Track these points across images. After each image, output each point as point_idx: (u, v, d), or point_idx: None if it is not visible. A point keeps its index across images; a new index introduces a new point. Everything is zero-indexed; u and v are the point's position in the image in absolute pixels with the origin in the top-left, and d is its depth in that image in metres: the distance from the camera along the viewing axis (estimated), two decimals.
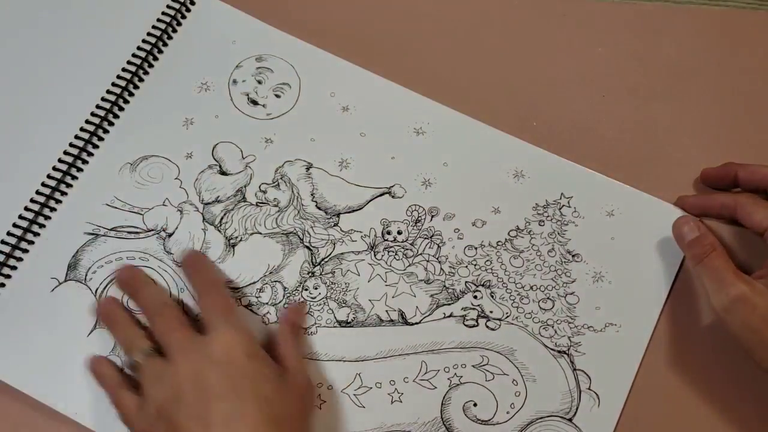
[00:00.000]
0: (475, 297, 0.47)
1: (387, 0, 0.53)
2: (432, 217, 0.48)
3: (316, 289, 0.47)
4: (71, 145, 0.48)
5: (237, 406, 0.38)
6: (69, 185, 0.48)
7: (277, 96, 0.50)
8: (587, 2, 0.53)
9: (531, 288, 0.47)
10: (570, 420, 0.45)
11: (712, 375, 0.46)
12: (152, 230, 0.47)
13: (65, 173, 0.48)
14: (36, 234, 0.47)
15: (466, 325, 0.46)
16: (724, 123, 0.51)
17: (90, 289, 0.46)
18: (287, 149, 0.49)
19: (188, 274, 0.46)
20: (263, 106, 0.50)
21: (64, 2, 0.50)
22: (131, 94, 0.49)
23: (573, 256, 0.47)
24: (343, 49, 0.51)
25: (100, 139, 0.49)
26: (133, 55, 0.50)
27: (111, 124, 0.49)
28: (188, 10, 0.51)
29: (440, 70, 0.51)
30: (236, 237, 0.48)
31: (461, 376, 0.46)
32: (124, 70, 0.49)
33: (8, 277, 0.46)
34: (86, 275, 0.46)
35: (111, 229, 0.47)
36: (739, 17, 0.53)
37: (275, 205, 0.48)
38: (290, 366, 0.42)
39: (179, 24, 0.51)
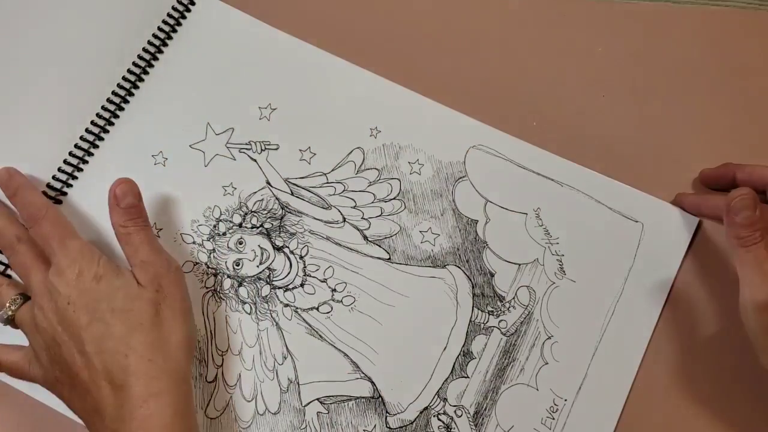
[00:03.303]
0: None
1: (387, 0, 0.53)
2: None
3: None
4: (72, 145, 0.48)
5: (102, 328, 0.40)
6: (69, 185, 0.48)
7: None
8: (587, 2, 0.53)
9: None
10: None
11: (715, 371, 0.46)
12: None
13: (65, 173, 0.48)
14: None
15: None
16: (723, 123, 0.51)
17: None
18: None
19: (14, 203, 0.46)
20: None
21: (64, 2, 0.50)
22: (131, 94, 0.49)
23: None
24: (344, 49, 0.51)
25: (100, 139, 0.49)
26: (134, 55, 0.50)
27: (111, 124, 0.49)
28: (188, 10, 0.51)
29: (440, 70, 0.51)
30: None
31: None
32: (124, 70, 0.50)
33: (8, 277, 0.46)
34: None
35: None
36: (739, 17, 0.53)
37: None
38: (137, 262, 0.43)
39: (179, 24, 0.51)
